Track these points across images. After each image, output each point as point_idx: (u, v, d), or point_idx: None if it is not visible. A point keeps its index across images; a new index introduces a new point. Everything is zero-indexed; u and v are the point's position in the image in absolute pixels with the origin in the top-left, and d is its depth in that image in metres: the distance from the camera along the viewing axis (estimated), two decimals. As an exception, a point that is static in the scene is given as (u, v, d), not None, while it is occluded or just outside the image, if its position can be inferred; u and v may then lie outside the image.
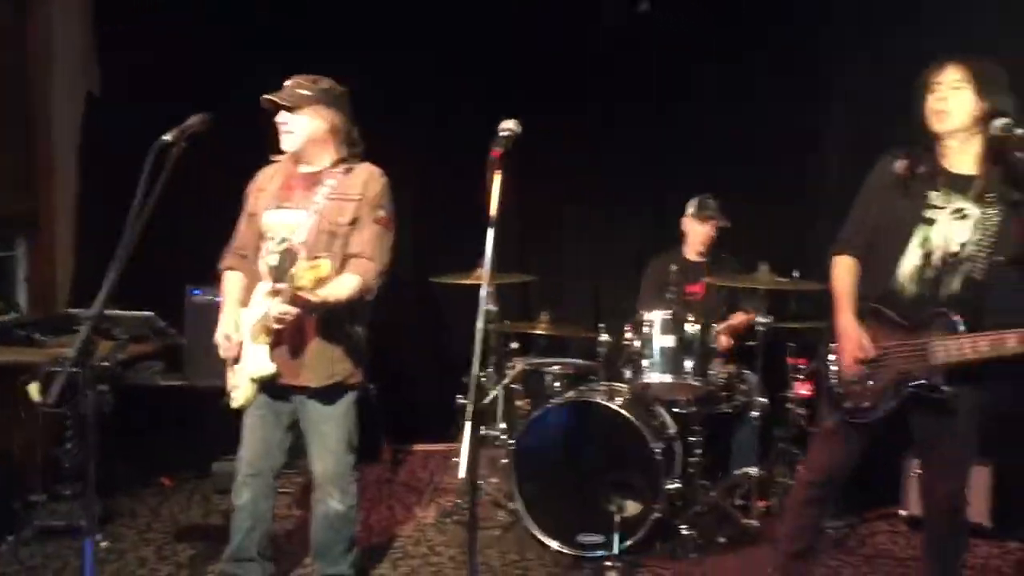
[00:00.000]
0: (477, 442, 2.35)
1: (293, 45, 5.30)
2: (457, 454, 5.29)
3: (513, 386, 4.72)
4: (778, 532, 3.39)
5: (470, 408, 2.36)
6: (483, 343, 2.39)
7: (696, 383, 4.11)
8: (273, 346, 3.09)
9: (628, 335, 4.23)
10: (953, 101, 2.87)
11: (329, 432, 3.22)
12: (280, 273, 3.08)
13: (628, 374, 4.21)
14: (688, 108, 5.47)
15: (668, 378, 4.10)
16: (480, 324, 2.40)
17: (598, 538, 3.95)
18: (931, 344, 2.87)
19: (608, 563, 3.86)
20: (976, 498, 4.29)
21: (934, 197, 2.93)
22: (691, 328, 4.11)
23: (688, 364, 4.08)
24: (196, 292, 4.41)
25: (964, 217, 2.91)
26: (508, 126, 2.61)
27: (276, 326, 3.01)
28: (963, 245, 2.90)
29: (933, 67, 2.93)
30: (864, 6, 4.91)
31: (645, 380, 4.13)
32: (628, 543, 3.91)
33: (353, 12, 5.32)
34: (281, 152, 3.25)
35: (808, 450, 3.28)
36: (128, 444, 4.64)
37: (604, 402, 4.03)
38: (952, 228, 2.91)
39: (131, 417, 4.22)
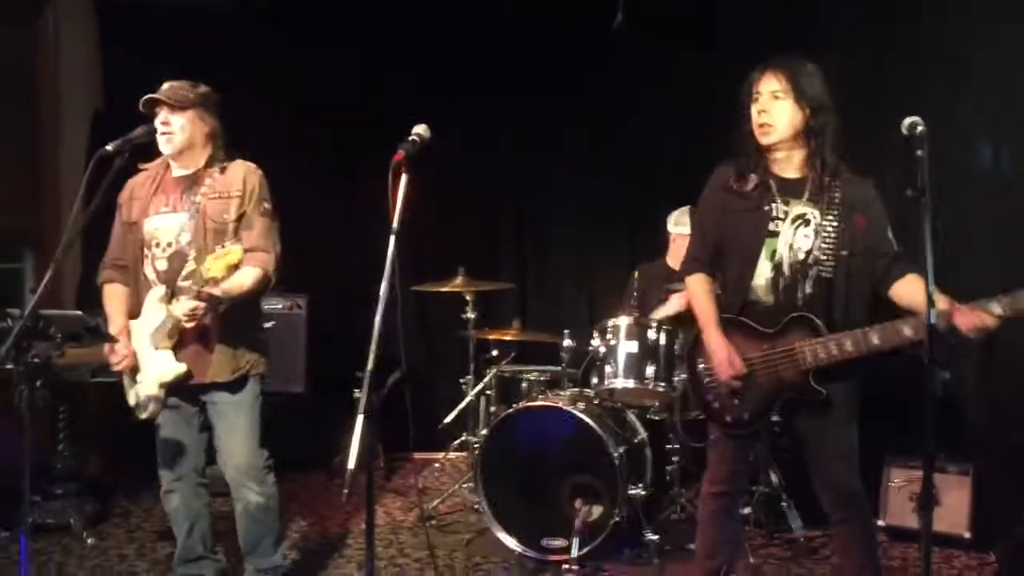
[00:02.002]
0: (369, 434, 2.41)
1: (287, 55, 5.54)
2: (442, 461, 5.49)
3: (488, 392, 4.78)
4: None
5: (363, 401, 2.42)
6: (378, 344, 2.44)
7: (660, 389, 4.10)
8: (176, 348, 3.15)
9: (594, 341, 4.25)
10: (775, 113, 2.93)
11: (239, 422, 3.29)
12: (171, 276, 3.16)
13: (594, 380, 4.23)
14: (666, 115, 5.50)
15: (631, 383, 4.11)
16: (377, 321, 2.46)
17: (561, 542, 3.99)
18: (798, 348, 2.92)
19: (567, 567, 3.89)
20: (956, 509, 4.25)
21: (773, 208, 2.98)
22: (654, 334, 4.12)
23: (650, 370, 4.08)
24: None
25: (806, 223, 2.96)
26: (417, 131, 2.68)
27: (187, 325, 3.06)
28: (808, 252, 2.96)
29: (754, 73, 2.99)
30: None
31: (609, 386, 4.15)
32: (589, 548, 3.93)
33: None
34: (151, 160, 3.33)
35: (707, 463, 3.28)
36: (134, 448, 4.85)
37: (565, 407, 4.06)
38: (796, 237, 2.97)
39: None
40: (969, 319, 2.66)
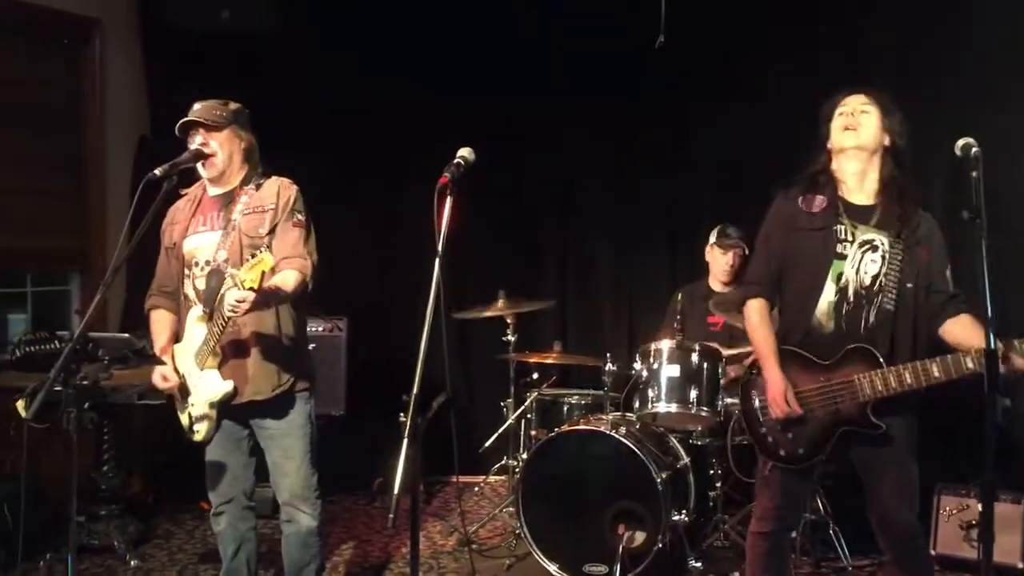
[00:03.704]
0: (414, 458, 2.39)
1: (328, 79, 5.59)
2: (481, 485, 5.46)
3: (529, 416, 4.75)
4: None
5: (408, 425, 2.40)
6: (424, 366, 2.42)
7: (703, 414, 4.06)
8: (219, 367, 3.15)
9: (636, 365, 4.21)
10: (863, 120, 2.91)
11: (292, 445, 3.28)
12: (210, 294, 3.14)
13: (636, 404, 4.19)
14: (710, 134, 5.47)
15: (674, 408, 4.07)
16: (423, 345, 2.45)
17: (602, 568, 3.94)
18: (856, 380, 2.86)
19: (610, 593, 3.85)
20: (1008, 538, 4.14)
21: (840, 231, 2.93)
22: (696, 358, 4.07)
23: (693, 394, 4.04)
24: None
25: (874, 249, 2.91)
26: (462, 154, 2.67)
27: (232, 312, 2.92)
28: (875, 278, 2.90)
29: (837, 96, 2.98)
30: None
31: (652, 410, 4.11)
32: (631, 575, 3.87)
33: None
34: (192, 183, 3.33)
35: (756, 499, 3.22)
36: (175, 469, 4.87)
37: (607, 431, 4.01)
38: (864, 261, 2.91)
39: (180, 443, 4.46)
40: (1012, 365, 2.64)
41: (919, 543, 3.02)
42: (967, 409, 4.06)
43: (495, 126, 5.46)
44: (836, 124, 2.96)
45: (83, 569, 4.24)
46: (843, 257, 2.92)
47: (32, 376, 3.72)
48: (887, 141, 2.93)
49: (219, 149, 3.21)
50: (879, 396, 2.82)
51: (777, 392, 2.94)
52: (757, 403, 3.08)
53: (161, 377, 3.24)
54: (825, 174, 2.99)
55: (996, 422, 2.28)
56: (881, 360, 2.83)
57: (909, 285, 2.88)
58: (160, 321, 3.36)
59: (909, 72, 4.70)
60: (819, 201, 2.97)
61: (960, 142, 2.62)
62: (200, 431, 3.22)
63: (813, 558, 4.30)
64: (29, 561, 4.17)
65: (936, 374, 2.74)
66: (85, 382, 2.72)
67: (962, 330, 2.84)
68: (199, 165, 3.22)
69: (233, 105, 3.29)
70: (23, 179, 4.91)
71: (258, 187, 3.26)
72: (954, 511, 4.30)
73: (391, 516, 2.36)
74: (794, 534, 4.23)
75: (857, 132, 2.91)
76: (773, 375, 2.97)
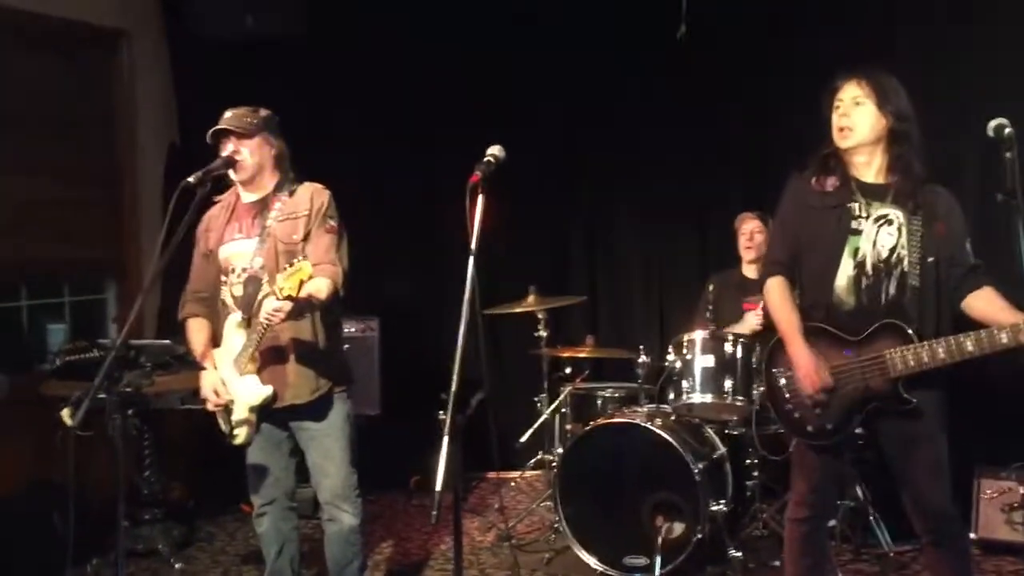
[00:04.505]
0: (454, 455, 2.42)
1: (358, 83, 5.63)
2: (518, 480, 5.49)
3: (563, 410, 4.77)
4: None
5: (448, 423, 2.43)
6: (462, 363, 2.45)
7: (739, 403, 4.06)
8: (258, 372, 3.19)
9: (670, 356, 4.22)
10: (856, 117, 2.90)
11: (332, 445, 3.32)
12: (247, 302, 3.19)
13: (671, 395, 4.20)
14: (736, 124, 5.47)
15: (709, 398, 4.07)
16: (459, 343, 2.48)
17: (642, 560, 3.95)
18: (887, 356, 2.84)
19: (651, 586, 3.86)
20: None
21: (855, 208, 2.94)
22: (730, 347, 4.07)
23: (728, 384, 4.04)
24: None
25: (889, 223, 2.91)
26: (492, 152, 2.69)
27: (268, 321, 2.99)
28: (892, 250, 2.90)
29: (836, 82, 2.96)
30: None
31: (687, 401, 4.11)
32: (672, 566, 3.88)
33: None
34: (224, 190, 3.38)
35: (791, 482, 3.19)
36: (216, 472, 4.93)
37: (643, 424, 4.02)
38: (880, 235, 2.91)
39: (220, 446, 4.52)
40: None
41: (956, 526, 2.99)
42: (1003, 390, 4.09)
43: (523, 122, 5.46)
44: (833, 120, 2.96)
45: (129, 573, 4.29)
46: (858, 233, 2.93)
47: (74, 385, 3.77)
48: (889, 123, 2.90)
49: (250, 156, 3.25)
50: (911, 371, 2.81)
51: (808, 367, 2.92)
52: (783, 380, 3.07)
53: (213, 392, 3.25)
54: (835, 157, 3.00)
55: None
56: (912, 335, 2.82)
57: (930, 259, 2.88)
58: (197, 329, 3.40)
59: (933, 51, 4.67)
60: (832, 181, 2.98)
61: (993, 123, 2.60)
62: (240, 435, 3.26)
63: (854, 545, 4.28)
64: (76, 566, 4.24)
65: (970, 348, 2.72)
66: (128, 389, 2.76)
67: (985, 305, 2.84)
68: (230, 171, 3.27)
69: (263, 112, 3.33)
70: (58, 190, 4.96)
71: (291, 194, 3.31)
72: (995, 494, 4.26)
73: (434, 513, 2.39)
74: (833, 522, 4.22)
75: (852, 132, 2.91)
76: (800, 351, 2.95)
